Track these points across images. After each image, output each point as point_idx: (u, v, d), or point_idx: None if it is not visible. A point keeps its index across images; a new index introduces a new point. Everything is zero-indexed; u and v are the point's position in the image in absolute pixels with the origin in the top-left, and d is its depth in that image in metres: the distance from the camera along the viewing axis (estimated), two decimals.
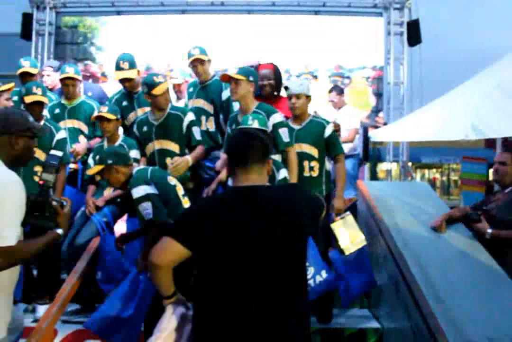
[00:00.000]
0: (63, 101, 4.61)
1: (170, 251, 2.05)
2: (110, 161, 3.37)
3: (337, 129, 4.17)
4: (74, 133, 4.51)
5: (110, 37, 8.07)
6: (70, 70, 4.55)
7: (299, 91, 3.92)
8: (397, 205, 4.07)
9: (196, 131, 4.05)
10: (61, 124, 4.45)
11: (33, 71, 4.73)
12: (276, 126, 3.79)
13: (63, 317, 3.60)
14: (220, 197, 2.39)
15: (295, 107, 3.94)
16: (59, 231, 2.29)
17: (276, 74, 4.51)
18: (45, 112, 4.38)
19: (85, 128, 4.60)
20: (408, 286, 3.22)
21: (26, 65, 4.68)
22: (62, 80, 4.56)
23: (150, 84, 3.91)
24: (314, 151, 3.94)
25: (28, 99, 3.99)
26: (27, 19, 8.02)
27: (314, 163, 3.93)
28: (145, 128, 4.04)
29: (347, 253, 3.66)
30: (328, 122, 4.02)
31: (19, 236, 2.10)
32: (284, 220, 2.05)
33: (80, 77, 4.64)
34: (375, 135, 6.75)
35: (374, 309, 4.08)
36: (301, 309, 2.08)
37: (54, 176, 2.42)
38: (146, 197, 3.23)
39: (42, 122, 4.07)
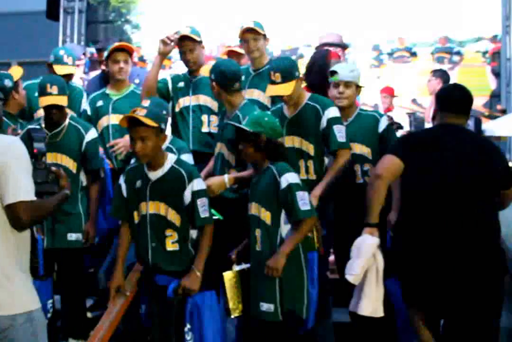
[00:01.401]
0: (108, 91, 4.63)
1: (390, 164, 3.24)
2: (163, 126, 3.49)
3: (391, 122, 4.15)
4: (120, 130, 4.42)
5: (149, 12, 7.99)
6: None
7: (349, 78, 3.94)
8: None
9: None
10: (104, 120, 4.53)
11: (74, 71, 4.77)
12: (331, 121, 3.77)
13: None
14: (428, 128, 3.81)
15: (342, 97, 3.96)
16: (66, 191, 2.81)
17: None
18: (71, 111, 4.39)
19: None
20: None
21: (69, 62, 4.64)
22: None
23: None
24: (367, 152, 3.92)
25: (43, 101, 4.02)
26: None
27: (368, 167, 3.88)
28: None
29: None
30: (381, 115, 4.04)
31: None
32: (477, 153, 3.23)
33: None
34: (492, 128, 6.30)
35: None
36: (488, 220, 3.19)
37: (44, 143, 2.92)
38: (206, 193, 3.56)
39: (66, 122, 4.12)
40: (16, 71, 4.37)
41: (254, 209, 3.50)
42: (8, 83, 4.17)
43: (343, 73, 3.95)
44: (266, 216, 3.44)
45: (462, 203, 3.14)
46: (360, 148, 3.92)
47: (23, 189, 2.52)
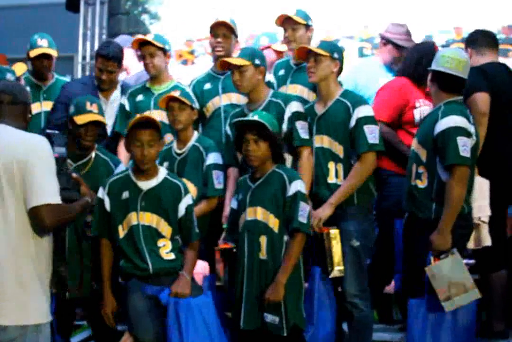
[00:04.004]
0: (149, 85, 4.45)
1: (486, 101, 3.78)
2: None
3: None
4: (164, 127, 4.21)
5: (168, 1, 7.85)
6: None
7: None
8: None
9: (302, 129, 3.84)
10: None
11: (53, 53, 4.62)
12: (361, 121, 3.65)
13: None
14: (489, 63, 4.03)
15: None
16: (87, 198, 2.91)
17: None
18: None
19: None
20: None
21: (43, 44, 4.60)
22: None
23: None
24: (421, 152, 3.64)
25: (81, 119, 3.73)
26: None
27: (421, 169, 3.61)
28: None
29: (447, 309, 3.41)
30: (446, 114, 3.57)
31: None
32: None
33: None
34: None
35: None
36: None
37: (66, 147, 2.96)
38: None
39: (93, 154, 3.87)
40: (19, 67, 4.40)
41: (260, 214, 3.46)
42: (10, 77, 4.09)
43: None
44: (275, 223, 3.44)
45: None
46: (418, 148, 3.69)
47: (49, 191, 2.54)
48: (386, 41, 4.87)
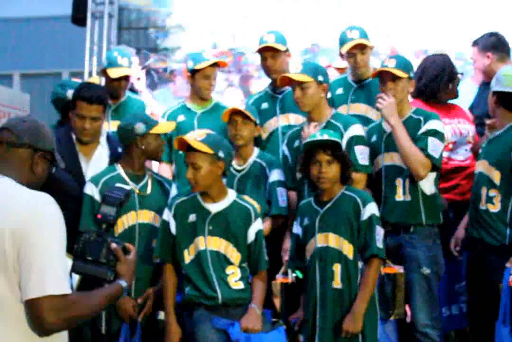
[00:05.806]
0: (189, 104, 4.40)
1: None
2: (221, 154, 3.38)
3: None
4: None
5: (177, 13, 7.30)
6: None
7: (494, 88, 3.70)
8: None
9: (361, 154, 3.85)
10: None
11: (133, 73, 4.66)
12: (427, 133, 3.71)
13: None
14: None
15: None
16: (122, 283, 2.22)
17: None
18: None
19: None
20: None
21: (124, 64, 4.43)
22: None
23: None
24: (494, 174, 3.62)
25: (163, 127, 3.84)
26: None
27: (494, 193, 3.60)
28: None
29: None
30: None
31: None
32: None
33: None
34: None
35: None
36: None
37: (117, 209, 2.42)
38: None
39: (147, 174, 3.80)
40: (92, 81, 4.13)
41: (332, 240, 3.37)
42: (70, 94, 3.84)
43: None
44: (349, 249, 3.35)
45: None
46: (488, 169, 3.66)
47: (51, 277, 1.95)
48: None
